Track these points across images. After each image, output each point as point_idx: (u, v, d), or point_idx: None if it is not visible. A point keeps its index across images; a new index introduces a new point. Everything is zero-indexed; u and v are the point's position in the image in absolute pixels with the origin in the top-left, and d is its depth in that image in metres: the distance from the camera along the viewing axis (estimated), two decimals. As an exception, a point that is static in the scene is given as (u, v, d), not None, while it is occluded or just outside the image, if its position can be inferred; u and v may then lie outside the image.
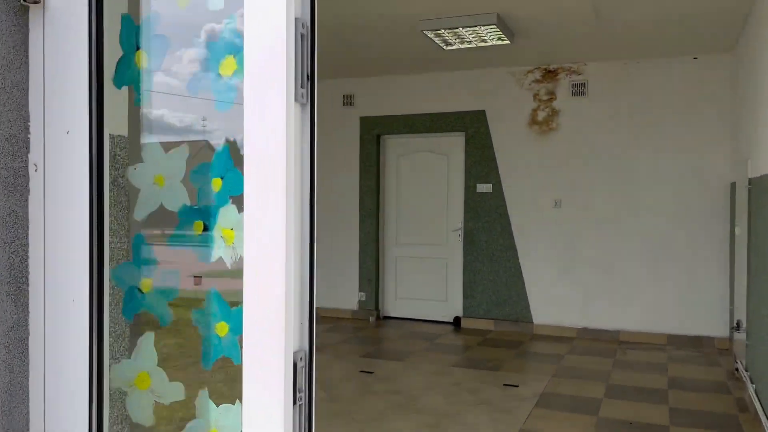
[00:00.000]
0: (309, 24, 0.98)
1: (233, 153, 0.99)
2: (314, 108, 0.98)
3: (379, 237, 7.49)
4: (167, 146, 1.04)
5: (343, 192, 7.55)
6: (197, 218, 1.02)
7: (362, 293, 7.48)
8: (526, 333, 6.78)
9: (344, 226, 7.55)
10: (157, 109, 1.06)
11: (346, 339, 6.44)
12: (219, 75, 1.00)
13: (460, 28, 5.18)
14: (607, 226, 6.53)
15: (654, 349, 6.11)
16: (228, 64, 0.99)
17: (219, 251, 1.00)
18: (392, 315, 7.55)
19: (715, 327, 6.17)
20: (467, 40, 5.54)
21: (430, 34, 5.39)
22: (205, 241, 1.01)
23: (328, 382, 4.91)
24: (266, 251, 0.95)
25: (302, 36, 0.97)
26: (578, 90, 6.60)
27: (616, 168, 6.49)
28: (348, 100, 7.50)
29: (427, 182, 7.33)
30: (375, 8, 4.90)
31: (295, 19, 0.96)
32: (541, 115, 6.76)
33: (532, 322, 6.81)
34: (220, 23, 0.99)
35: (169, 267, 1.06)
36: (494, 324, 6.95)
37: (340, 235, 7.57)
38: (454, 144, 7.22)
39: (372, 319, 7.40)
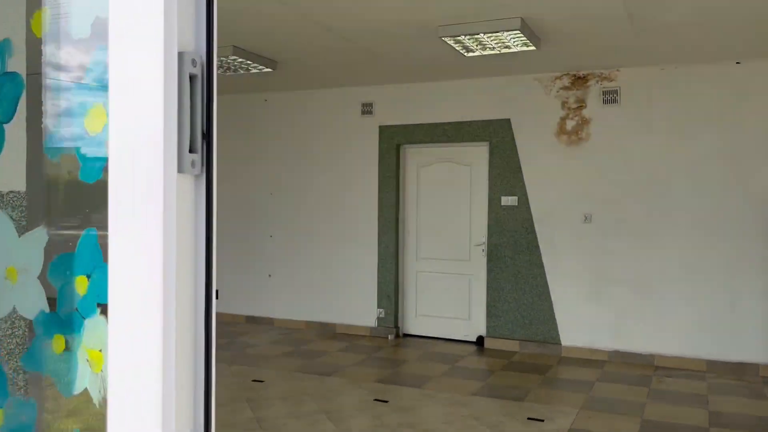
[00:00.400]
0: (205, 60, 0.68)
1: (104, 242, 0.69)
2: (212, 176, 0.68)
3: (398, 251, 7.17)
4: (21, 228, 0.76)
5: (361, 204, 7.25)
6: (57, 331, 0.73)
7: (381, 310, 7.17)
8: (553, 355, 6.39)
9: (362, 240, 7.25)
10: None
11: (362, 360, 6.13)
12: (86, 131, 0.70)
13: (481, 34, 4.84)
14: (641, 242, 6.11)
15: (692, 376, 5.67)
16: (96, 116, 0.70)
17: (84, 380, 0.71)
18: (412, 333, 7.22)
19: (760, 353, 5.70)
20: (489, 46, 5.19)
21: (450, 41, 5.06)
22: (67, 364, 0.72)
23: (339, 412, 4.60)
24: (136, 390, 0.65)
25: (193, 78, 0.66)
26: (610, 97, 6.19)
27: (651, 181, 6.06)
28: (367, 109, 7.20)
29: (449, 194, 6.99)
30: (392, 14, 4.59)
31: (180, 53, 0.65)
32: (570, 124, 6.37)
33: (560, 344, 6.41)
34: (86, 57, 0.70)
35: (23, 396, 0.77)
36: (519, 345, 6.56)
37: (358, 248, 7.28)
38: (478, 154, 6.86)
39: (391, 337, 7.08)
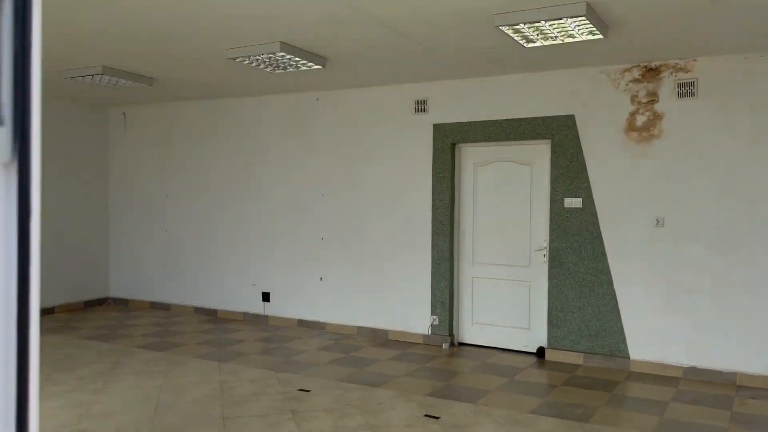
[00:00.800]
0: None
1: None
2: (29, 164, 0.39)
3: (453, 255, 6.82)
4: None
5: (414, 205, 6.95)
6: None
7: (435, 317, 6.83)
8: (621, 370, 5.90)
9: (415, 243, 6.94)
10: None
11: (414, 371, 5.82)
12: None
13: (542, 22, 4.46)
14: (721, 249, 5.55)
15: (781, 398, 5.09)
16: None
17: None
18: (468, 342, 6.86)
19: None
20: (551, 35, 4.79)
21: (508, 30, 4.69)
22: None
23: (386, 428, 4.31)
24: None
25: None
26: (686, 90, 5.66)
27: (732, 181, 5.50)
28: (420, 107, 6.89)
29: (508, 195, 6.59)
30: (444, 2, 4.26)
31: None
32: (641, 120, 5.87)
33: (629, 358, 5.92)
34: None
35: None
36: (584, 358, 6.10)
37: (411, 252, 6.97)
38: (539, 153, 6.44)
39: (445, 345, 6.74)
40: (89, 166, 9.01)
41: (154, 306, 8.87)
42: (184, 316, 8.31)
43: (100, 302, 9.15)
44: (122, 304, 9.16)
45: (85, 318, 8.19)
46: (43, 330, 7.42)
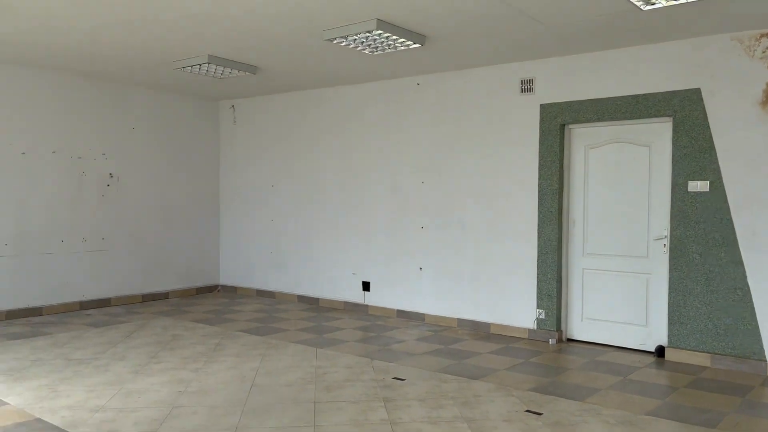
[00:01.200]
0: None
1: None
2: None
3: (561, 245, 6.37)
4: None
5: (518, 192, 6.55)
6: None
7: (540, 310, 6.41)
8: (756, 375, 5.21)
9: (520, 232, 6.55)
10: None
11: (517, 365, 5.46)
12: None
13: (662, -23, 3.98)
14: None
15: None
16: None
17: None
18: (577, 338, 6.37)
19: None
20: (673, -7, 4.28)
21: (622, -10, 4.24)
22: None
23: (482, 421, 4.01)
24: None
25: None
26: (838, 53, 4.91)
27: None
28: (526, 86, 6.49)
29: (623, 179, 6.05)
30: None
31: None
32: (781, 91, 5.17)
33: (765, 361, 5.22)
34: None
35: None
36: (711, 359, 5.46)
37: (515, 241, 6.58)
38: (658, 132, 5.86)
39: (552, 341, 6.30)
40: (202, 157, 9.34)
41: (260, 294, 9.05)
42: (288, 304, 8.40)
43: (211, 289, 9.47)
44: (231, 291, 9.43)
45: (196, 303, 8.48)
46: (156, 313, 7.74)
